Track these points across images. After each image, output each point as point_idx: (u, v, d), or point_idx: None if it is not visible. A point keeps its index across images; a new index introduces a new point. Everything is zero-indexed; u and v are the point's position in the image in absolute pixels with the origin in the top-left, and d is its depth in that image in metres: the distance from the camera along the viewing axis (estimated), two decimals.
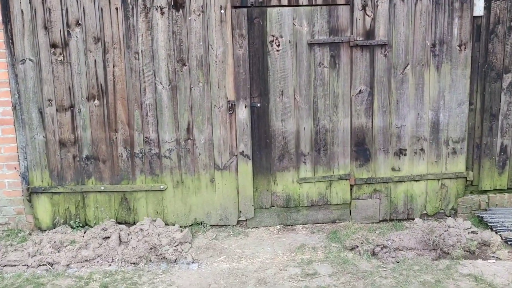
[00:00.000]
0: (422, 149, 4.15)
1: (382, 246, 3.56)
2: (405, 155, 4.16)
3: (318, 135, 4.11)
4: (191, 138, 4.06)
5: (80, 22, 3.88)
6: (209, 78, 3.98)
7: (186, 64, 3.96)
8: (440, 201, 4.24)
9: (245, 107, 3.99)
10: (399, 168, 4.18)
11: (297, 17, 3.93)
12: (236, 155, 4.08)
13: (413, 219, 4.20)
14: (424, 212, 4.25)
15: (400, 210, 4.23)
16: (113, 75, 3.96)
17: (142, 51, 3.92)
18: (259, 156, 4.12)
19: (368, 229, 4.05)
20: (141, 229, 3.96)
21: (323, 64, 4.02)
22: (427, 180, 4.19)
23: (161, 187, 4.10)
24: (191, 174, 4.12)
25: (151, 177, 4.11)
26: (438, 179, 4.20)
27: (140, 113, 4.02)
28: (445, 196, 4.23)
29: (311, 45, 3.97)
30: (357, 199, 4.21)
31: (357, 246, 3.63)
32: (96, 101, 3.99)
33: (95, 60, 3.93)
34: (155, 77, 3.97)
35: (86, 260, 3.57)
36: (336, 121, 4.10)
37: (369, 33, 3.99)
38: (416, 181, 4.19)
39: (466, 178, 4.22)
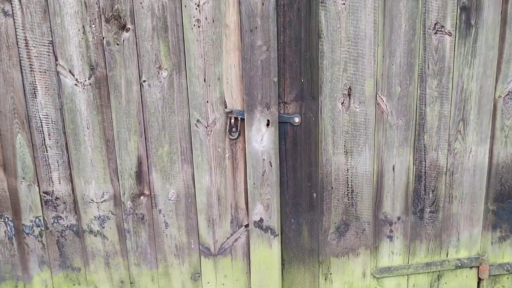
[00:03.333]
0: None
1: None
2: None
3: (423, 181, 1.95)
4: (147, 192, 1.86)
5: None
6: (183, 59, 1.73)
7: (129, 26, 1.69)
8: None
9: (268, 124, 1.78)
10: None
11: None
12: (247, 226, 1.91)
13: None
14: None
15: None
16: None
17: None
18: (295, 228, 1.95)
19: None
20: None
21: (443, 27, 1.79)
22: None
23: None
24: (149, 266, 1.94)
25: (65, 273, 1.93)
26: None
27: (28, 141, 1.77)
28: None
29: None
30: None
31: None
32: None
33: None
34: (56, 59, 1.70)
35: None
36: (461, 151, 1.93)
37: None
38: None
39: None
